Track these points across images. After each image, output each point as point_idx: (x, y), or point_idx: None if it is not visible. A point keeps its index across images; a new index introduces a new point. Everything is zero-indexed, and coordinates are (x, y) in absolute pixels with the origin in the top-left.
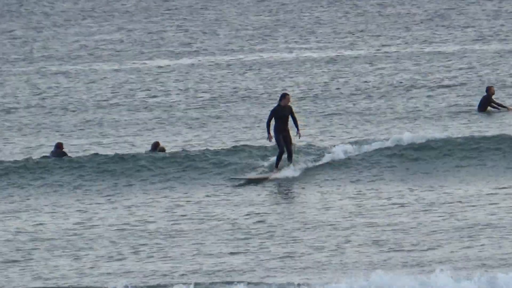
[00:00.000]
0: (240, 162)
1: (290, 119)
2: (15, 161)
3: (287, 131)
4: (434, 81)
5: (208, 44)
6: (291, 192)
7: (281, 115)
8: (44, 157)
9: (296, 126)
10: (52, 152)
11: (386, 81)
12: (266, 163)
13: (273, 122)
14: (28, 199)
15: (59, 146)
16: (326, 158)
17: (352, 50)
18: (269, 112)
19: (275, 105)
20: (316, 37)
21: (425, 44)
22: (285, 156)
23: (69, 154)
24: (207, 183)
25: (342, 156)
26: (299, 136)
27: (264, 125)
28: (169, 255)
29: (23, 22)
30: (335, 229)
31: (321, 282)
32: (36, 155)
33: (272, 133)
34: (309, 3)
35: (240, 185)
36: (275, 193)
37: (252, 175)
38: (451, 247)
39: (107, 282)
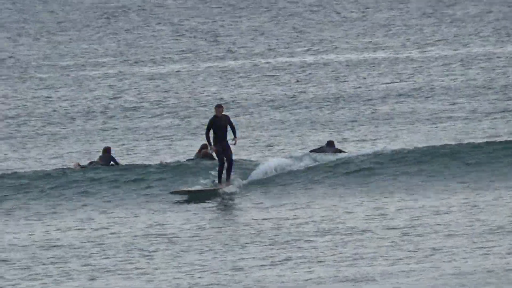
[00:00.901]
0: None
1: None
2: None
3: (226, 142)
4: None
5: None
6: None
7: (218, 125)
8: (91, 162)
9: (234, 133)
10: (100, 156)
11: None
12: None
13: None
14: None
15: (106, 150)
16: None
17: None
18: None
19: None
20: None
21: None
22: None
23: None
24: None
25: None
26: (235, 143)
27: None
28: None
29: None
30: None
31: None
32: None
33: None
34: None
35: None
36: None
37: (196, 187)
38: None
39: None
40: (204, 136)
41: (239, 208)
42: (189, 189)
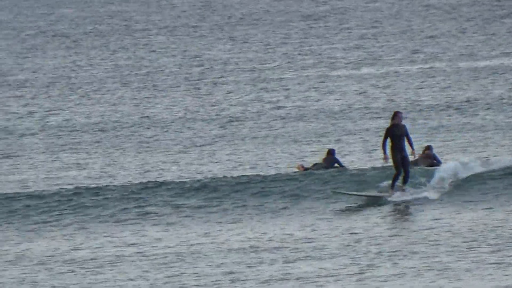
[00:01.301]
0: None
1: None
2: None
3: (405, 151)
4: None
5: None
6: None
7: (396, 134)
8: (315, 164)
9: (411, 145)
10: (323, 158)
11: None
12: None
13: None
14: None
15: (330, 152)
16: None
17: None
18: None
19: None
20: None
21: None
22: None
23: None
24: None
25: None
26: (414, 156)
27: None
28: None
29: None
30: None
31: None
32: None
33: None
34: None
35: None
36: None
37: (369, 192)
38: None
39: None
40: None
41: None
42: (354, 193)
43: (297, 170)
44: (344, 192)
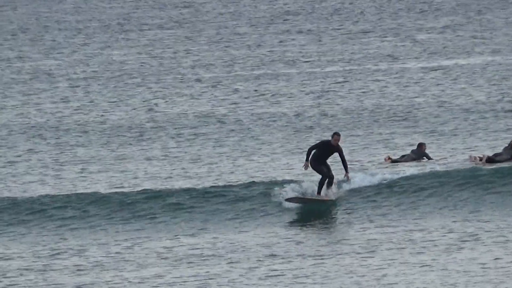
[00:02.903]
0: None
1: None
2: None
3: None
4: None
5: None
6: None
7: (325, 154)
8: (402, 156)
9: (345, 167)
10: (412, 150)
11: None
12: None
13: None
14: None
15: (421, 145)
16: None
17: None
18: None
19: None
20: None
21: None
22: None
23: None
24: None
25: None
26: (347, 178)
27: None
28: None
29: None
30: None
31: None
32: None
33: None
34: None
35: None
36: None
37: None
38: None
39: None
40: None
41: None
42: (304, 197)
43: (384, 161)
44: (298, 197)
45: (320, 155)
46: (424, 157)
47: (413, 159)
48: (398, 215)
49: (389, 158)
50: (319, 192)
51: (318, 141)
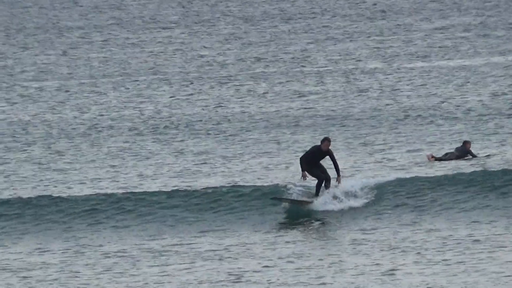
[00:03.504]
0: None
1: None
2: None
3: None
4: None
5: None
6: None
7: (317, 158)
8: (446, 154)
9: (337, 171)
10: (456, 148)
11: None
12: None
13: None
14: None
15: (466, 143)
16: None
17: None
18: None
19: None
20: None
21: None
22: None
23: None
24: None
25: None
26: (339, 182)
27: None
28: None
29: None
30: None
31: None
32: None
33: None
34: None
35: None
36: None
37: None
38: None
39: None
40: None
41: None
42: (291, 198)
43: (427, 159)
44: (283, 198)
45: (312, 160)
46: (469, 155)
47: (457, 157)
48: (416, 215)
49: (433, 157)
50: (317, 194)
51: (308, 148)
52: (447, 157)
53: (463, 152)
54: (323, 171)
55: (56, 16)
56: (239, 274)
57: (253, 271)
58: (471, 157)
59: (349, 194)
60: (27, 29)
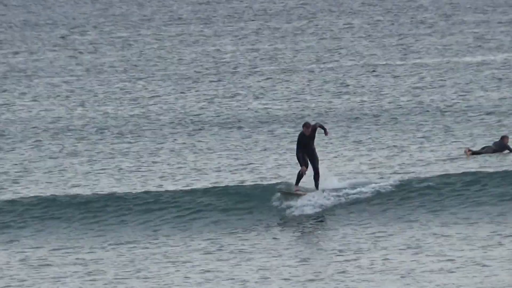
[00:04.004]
0: None
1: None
2: None
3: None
4: None
5: None
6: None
7: (305, 143)
8: (483, 148)
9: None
10: (494, 142)
11: None
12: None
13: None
14: None
15: (503, 137)
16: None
17: None
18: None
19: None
20: None
21: None
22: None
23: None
24: None
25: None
26: (326, 134)
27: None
28: None
29: None
30: None
31: None
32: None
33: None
34: None
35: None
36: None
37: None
38: None
39: None
40: None
41: None
42: (299, 192)
43: (464, 154)
44: (290, 192)
45: (304, 148)
46: (506, 150)
47: (494, 151)
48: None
49: (469, 150)
50: (297, 184)
51: (296, 140)
52: (483, 151)
53: (501, 146)
54: (315, 158)
55: (65, 12)
56: (239, 274)
57: (252, 271)
58: (508, 151)
59: (356, 192)
60: (40, 26)
